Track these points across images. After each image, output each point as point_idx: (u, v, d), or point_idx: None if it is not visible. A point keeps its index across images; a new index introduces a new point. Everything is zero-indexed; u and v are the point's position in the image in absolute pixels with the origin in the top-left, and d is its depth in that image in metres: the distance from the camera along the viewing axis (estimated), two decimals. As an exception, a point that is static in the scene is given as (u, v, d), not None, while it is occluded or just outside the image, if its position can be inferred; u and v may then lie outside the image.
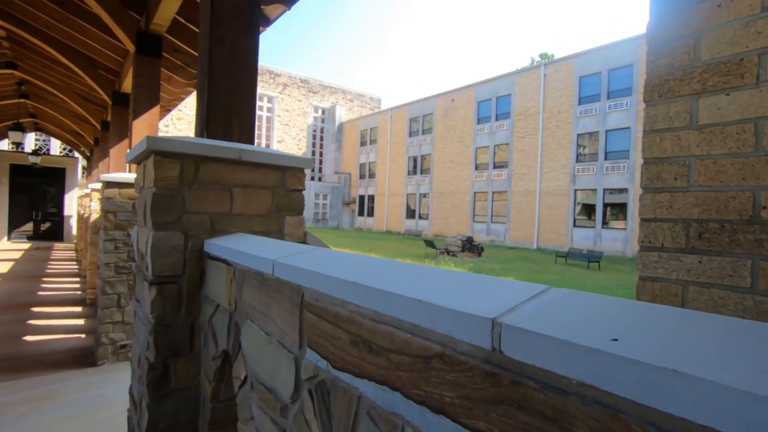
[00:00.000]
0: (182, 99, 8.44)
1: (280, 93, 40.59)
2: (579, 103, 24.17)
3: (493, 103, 29.17)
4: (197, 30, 5.25)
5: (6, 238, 16.83)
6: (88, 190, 7.47)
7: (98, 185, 5.93)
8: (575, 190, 24.09)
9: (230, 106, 2.39)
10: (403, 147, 36.39)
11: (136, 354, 1.93)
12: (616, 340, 0.46)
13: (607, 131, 22.86)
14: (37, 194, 17.70)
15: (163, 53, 5.18)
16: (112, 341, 4.60)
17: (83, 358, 4.66)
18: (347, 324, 0.83)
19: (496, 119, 28.89)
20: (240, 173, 1.79)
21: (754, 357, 0.40)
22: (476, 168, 30.05)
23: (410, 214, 35.42)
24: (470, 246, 19.43)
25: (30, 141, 25.24)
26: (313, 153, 42.86)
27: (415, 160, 35.34)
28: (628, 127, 21.94)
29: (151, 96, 5.05)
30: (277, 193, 1.90)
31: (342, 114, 44.02)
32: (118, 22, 4.74)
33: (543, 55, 48.05)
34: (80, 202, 11.44)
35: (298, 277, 1.02)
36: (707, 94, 1.13)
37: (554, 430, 0.48)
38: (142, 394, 1.70)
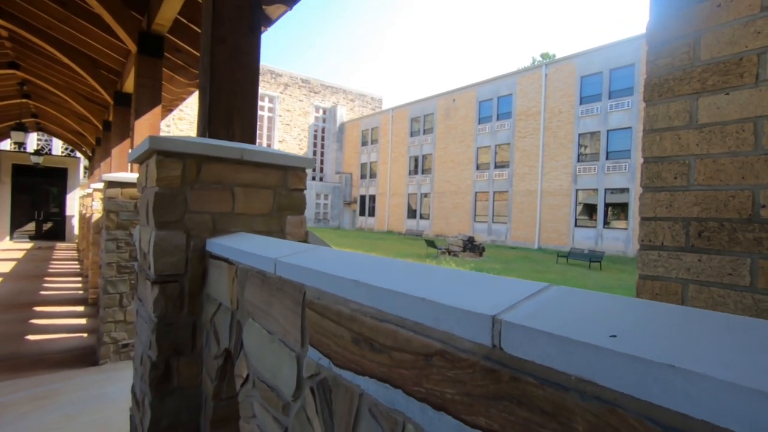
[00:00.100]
0: (184, 99, 8.45)
1: (282, 93, 40.61)
2: (580, 103, 24.14)
3: (494, 103, 29.15)
4: (199, 30, 5.26)
5: (8, 237, 16.88)
6: (90, 190, 7.49)
7: (100, 185, 5.94)
8: (577, 190, 24.07)
9: (232, 105, 2.39)
10: (404, 147, 36.38)
11: (138, 353, 1.94)
12: (614, 336, 0.46)
13: (608, 131, 22.83)
14: (39, 194, 17.74)
15: (165, 53, 5.20)
16: (114, 340, 4.61)
17: (85, 357, 4.67)
18: (349, 322, 0.83)
19: (498, 119, 28.87)
20: (242, 173, 1.80)
21: (753, 353, 0.41)
22: (477, 168, 30.03)
23: (411, 214, 35.42)
24: (471, 246, 19.42)
25: (32, 141, 25.29)
26: (315, 153, 42.87)
27: (416, 159, 35.33)
28: (630, 127, 21.90)
29: (153, 96, 5.07)
30: (278, 192, 1.91)
31: (343, 114, 44.02)
32: (119, 22, 4.75)
33: (544, 55, 48.00)
34: (82, 201, 11.47)
35: (300, 275, 1.02)
36: (707, 94, 1.13)
37: (554, 425, 0.48)
38: (144, 392, 1.70)
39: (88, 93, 9.08)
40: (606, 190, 22.78)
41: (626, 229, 21.91)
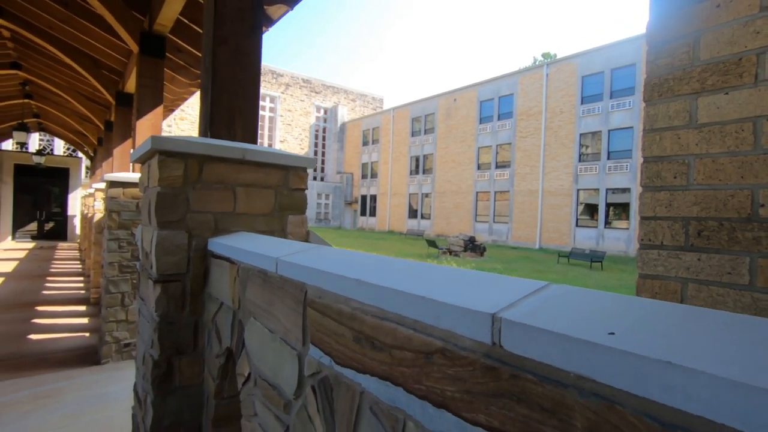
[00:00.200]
0: (185, 99, 8.47)
1: (283, 93, 40.64)
2: (581, 103, 24.11)
3: (495, 103, 29.13)
4: (200, 30, 5.27)
5: (10, 237, 16.92)
6: (91, 190, 7.52)
7: (102, 185, 5.96)
8: (578, 190, 24.04)
9: (233, 106, 2.40)
10: (405, 147, 36.38)
11: (140, 352, 1.95)
12: (613, 333, 0.46)
13: (609, 131, 22.80)
14: (41, 194, 17.76)
15: (167, 53, 5.21)
16: (116, 340, 4.62)
17: (87, 356, 4.68)
18: (350, 321, 0.84)
19: (499, 119, 28.85)
20: (243, 173, 1.81)
21: (750, 350, 0.41)
22: (478, 168, 30.02)
23: (412, 213, 35.41)
24: (472, 246, 19.42)
25: (34, 141, 25.35)
26: (316, 153, 42.89)
27: (417, 159, 35.33)
28: (631, 127, 21.87)
29: (155, 96, 5.08)
30: (279, 192, 1.91)
31: (344, 114, 44.04)
32: (121, 23, 4.77)
33: (545, 55, 47.93)
34: (84, 201, 11.49)
35: (301, 274, 1.03)
36: (706, 94, 1.14)
37: (553, 422, 0.49)
38: (146, 391, 1.71)
39: (89, 93, 9.10)
40: (607, 190, 22.76)
41: (627, 229, 21.88)
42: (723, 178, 1.11)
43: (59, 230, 18.19)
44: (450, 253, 19.39)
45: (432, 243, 20.81)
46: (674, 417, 0.39)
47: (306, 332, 0.99)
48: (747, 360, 0.39)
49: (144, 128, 5.00)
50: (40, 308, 6.65)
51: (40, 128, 16.86)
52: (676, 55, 1.19)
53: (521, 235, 26.75)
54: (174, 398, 1.64)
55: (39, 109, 12.96)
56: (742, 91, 1.07)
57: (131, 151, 6.25)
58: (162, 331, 1.60)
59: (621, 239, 22.10)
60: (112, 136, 7.71)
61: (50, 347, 4.94)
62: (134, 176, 4.74)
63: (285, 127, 40.83)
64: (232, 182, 1.78)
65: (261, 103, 37.53)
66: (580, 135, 24.10)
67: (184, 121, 34.20)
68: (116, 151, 7.13)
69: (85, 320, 6.11)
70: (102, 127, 10.86)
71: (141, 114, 5.01)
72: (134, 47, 4.95)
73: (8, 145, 19.35)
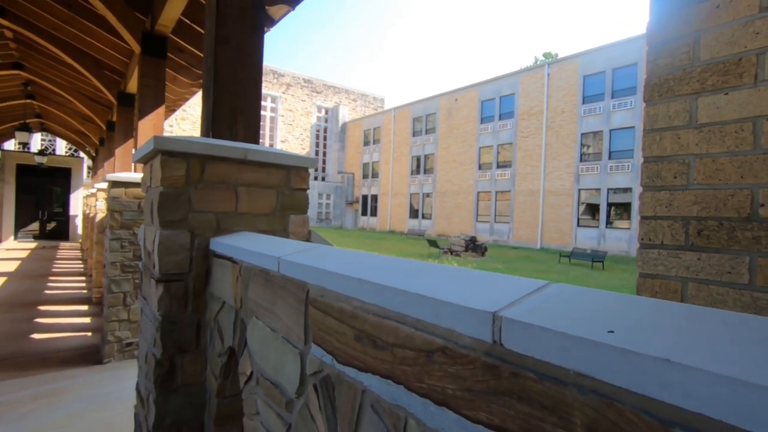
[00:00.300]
0: (187, 99, 8.48)
1: (284, 93, 40.65)
2: (583, 103, 24.07)
3: (496, 103, 29.10)
4: (202, 30, 5.28)
5: (13, 237, 16.96)
6: (93, 190, 7.54)
7: (104, 185, 5.97)
8: (579, 190, 24.01)
9: (235, 106, 2.41)
10: (406, 147, 36.37)
11: (143, 351, 1.96)
12: (612, 332, 0.47)
13: (611, 130, 22.76)
14: (43, 194, 17.80)
15: (168, 54, 5.22)
16: (118, 339, 4.64)
17: (89, 356, 4.70)
18: (352, 319, 0.84)
19: (500, 119, 28.82)
20: (245, 172, 1.81)
21: (748, 348, 0.41)
22: (479, 168, 29.99)
23: (413, 213, 35.40)
24: (473, 246, 19.41)
25: (36, 141, 25.40)
26: (317, 153, 42.89)
27: (418, 159, 35.32)
28: (633, 127, 21.83)
29: (156, 96, 5.09)
30: (281, 192, 1.92)
31: (345, 114, 44.03)
32: (123, 23, 4.78)
33: (546, 55, 47.86)
34: (86, 201, 11.52)
35: (303, 273, 1.03)
36: (706, 94, 1.14)
37: (553, 419, 0.49)
38: (149, 390, 1.72)
39: (91, 93, 9.12)
40: (609, 189, 22.72)
41: (629, 228, 21.85)
42: (723, 178, 1.11)
43: (61, 230, 18.23)
44: (451, 253, 19.39)
45: (433, 243, 20.80)
46: (672, 414, 0.39)
47: (308, 331, 1.00)
48: (746, 358, 0.39)
49: (146, 128, 5.01)
50: (42, 308, 6.67)
51: (42, 128, 16.89)
52: (676, 55, 1.19)
53: (522, 235, 26.72)
54: (176, 397, 1.65)
55: (41, 109, 12.99)
56: (741, 92, 1.07)
57: (133, 151, 6.28)
58: (164, 330, 1.61)
59: (622, 239, 22.07)
60: (114, 136, 7.73)
61: (52, 346, 4.95)
62: (136, 176, 4.76)
63: (286, 127, 40.85)
64: (234, 182, 1.79)
65: (262, 103, 37.60)
66: (582, 135, 24.06)
67: (185, 121, 34.25)
68: (118, 151, 7.14)
69: (87, 320, 6.13)
70: (104, 127, 10.88)
71: (143, 114, 5.02)
72: (136, 47, 4.96)
73: (10, 145, 19.38)
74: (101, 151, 12.76)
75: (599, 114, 23.23)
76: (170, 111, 8.97)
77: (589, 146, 24.02)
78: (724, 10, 1.10)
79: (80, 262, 12.01)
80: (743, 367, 0.37)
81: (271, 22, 3.69)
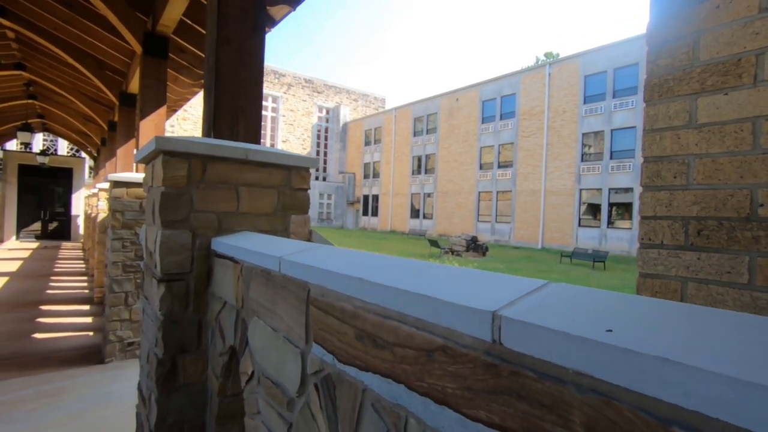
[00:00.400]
0: (188, 99, 8.49)
1: (285, 93, 40.67)
2: (584, 102, 24.04)
3: (497, 103, 29.09)
4: (203, 31, 5.29)
5: (15, 237, 17.00)
6: (95, 190, 7.55)
7: (106, 185, 5.99)
8: (580, 190, 23.99)
9: (236, 106, 2.41)
10: (407, 147, 36.37)
11: (144, 350, 1.97)
12: (610, 330, 0.47)
13: (612, 130, 22.74)
14: (45, 194, 17.85)
15: (170, 54, 5.23)
16: (119, 339, 4.65)
17: (91, 355, 4.71)
18: (352, 319, 0.85)
19: (501, 118, 28.80)
20: (246, 172, 1.82)
21: (746, 347, 0.42)
22: (481, 167, 29.98)
23: (414, 213, 35.40)
24: (475, 246, 19.41)
25: (38, 141, 25.44)
26: (318, 153, 42.90)
27: (419, 159, 35.31)
28: (634, 126, 21.80)
29: (158, 96, 5.10)
30: (282, 192, 1.92)
31: (346, 114, 44.04)
32: (125, 23, 4.79)
33: (548, 54, 47.80)
34: (87, 201, 11.55)
35: (304, 273, 1.03)
36: (706, 94, 1.14)
37: (552, 417, 0.50)
38: (150, 389, 1.73)
39: (93, 94, 9.14)
40: (610, 189, 22.70)
41: (630, 228, 21.82)
42: (722, 178, 1.11)
43: (63, 230, 18.27)
44: (452, 253, 19.38)
45: (434, 243, 20.79)
46: (671, 412, 0.39)
47: (309, 330, 1.00)
48: (745, 357, 0.39)
49: (147, 128, 5.03)
50: (44, 307, 6.69)
51: (44, 129, 16.92)
52: (676, 55, 1.19)
53: (524, 235, 26.71)
54: (178, 396, 1.66)
55: (43, 109, 13.02)
56: (741, 92, 1.08)
57: (134, 151, 6.29)
58: (166, 329, 1.62)
59: (624, 239, 22.04)
60: (116, 137, 7.74)
61: (54, 346, 4.97)
62: (138, 176, 4.77)
63: (287, 127, 40.87)
64: (235, 182, 1.79)
65: (263, 103, 37.55)
66: (583, 135, 24.03)
67: (186, 121, 34.29)
68: (120, 151, 7.16)
69: (88, 319, 6.14)
70: (105, 128, 10.90)
71: (144, 114, 5.04)
72: (137, 48, 4.97)
73: (12, 145, 19.44)
74: (103, 151, 12.78)
75: (600, 114, 23.20)
76: (171, 111, 8.98)
77: (590, 146, 24.00)
78: (724, 11, 1.10)
79: (82, 261, 12.04)
80: (743, 367, 0.37)
81: (273, 22, 3.70)
